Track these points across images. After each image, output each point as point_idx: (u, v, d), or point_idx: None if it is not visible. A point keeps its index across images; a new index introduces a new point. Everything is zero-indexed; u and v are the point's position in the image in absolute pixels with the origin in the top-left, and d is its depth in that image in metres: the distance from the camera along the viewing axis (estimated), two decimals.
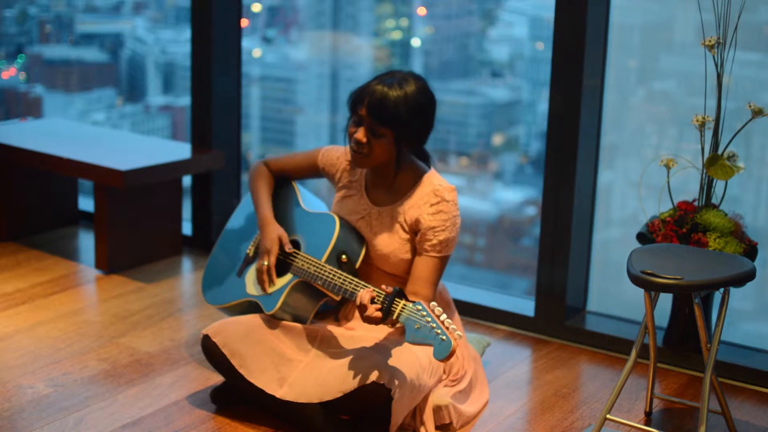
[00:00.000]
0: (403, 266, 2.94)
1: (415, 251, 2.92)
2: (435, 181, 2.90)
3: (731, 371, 3.29)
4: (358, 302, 2.65)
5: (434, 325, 2.48)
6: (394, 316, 2.58)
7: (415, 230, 2.90)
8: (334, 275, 2.82)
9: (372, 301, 2.64)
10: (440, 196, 2.87)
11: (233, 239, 3.23)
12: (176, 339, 3.48)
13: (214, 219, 4.37)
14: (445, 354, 2.46)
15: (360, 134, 2.81)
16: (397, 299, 2.60)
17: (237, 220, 3.28)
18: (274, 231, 2.99)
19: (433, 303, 2.56)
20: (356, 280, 2.78)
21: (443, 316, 2.51)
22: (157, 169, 4.07)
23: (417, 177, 2.92)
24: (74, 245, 4.43)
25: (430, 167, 2.98)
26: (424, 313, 2.52)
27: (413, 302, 2.58)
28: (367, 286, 2.72)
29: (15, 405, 2.97)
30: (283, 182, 3.21)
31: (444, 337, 2.46)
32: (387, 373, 2.67)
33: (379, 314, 2.60)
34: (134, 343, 3.43)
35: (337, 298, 2.90)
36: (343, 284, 2.79)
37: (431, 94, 2.85)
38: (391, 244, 2.92)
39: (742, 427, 2.98)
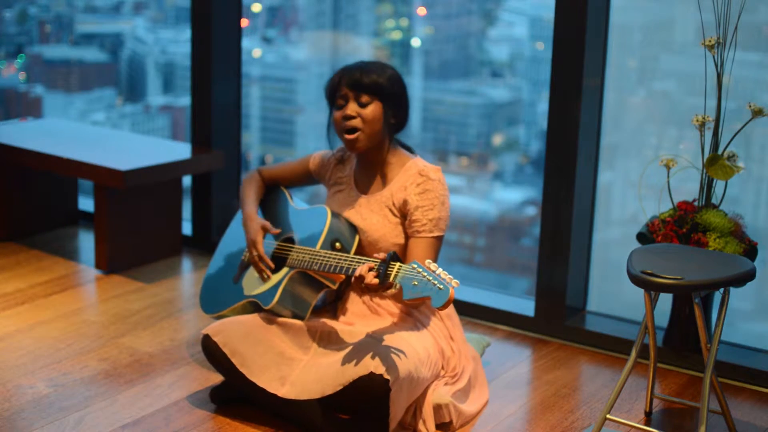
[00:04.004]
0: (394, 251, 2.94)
1: (406, 236, 2.94)
2: (420, 164, 2.97)
3: (731, 371, 3.29)
4: (357, 274, 2.64)
5: (431, 278, 2.47)
6: (391, 279, 2.56)
7: (403, 213, 2.93)
8: (329, 257, 2.83)
9: (370, 271, 2.64)
10: (425, 176, 2.93)
11: (227, 253, 3.25)
12: (176, 339, 3.48)
13: (214, 219, 4.37)
14: (443, 301, 2.43)
15: (349, 109, 2.91)
16: (392, 263, 2.60)
17: (230, 235, 3.30)
18: (256, 222, 3.05)
19: (429, 260, 2.54)
20: (351, 256, 2.78)
21: (439, 270, 2.50)
22: (157, 169, 4.07)
23: (403, 163, 2.99)
24: (74, 245, 4.43)
25: (416, 156, 3.05)
26: (420, 270, 2.50)
27: (409, 263, 2.57)
28: (362, 261, 2.71)
29: (15, 405, 2.97)
30: (273, 188, 3.25)
31: (441, 286, 2.44)
32: (384, 364, 2.67)
33: (376, 281, 2.60)
34: (134, 343, 3.43)
35: (335, 287, 2.91)
36: (340, 262, 2.79)
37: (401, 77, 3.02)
38: (381, 228, 2.94)
39: (742, 427, 2.98)
